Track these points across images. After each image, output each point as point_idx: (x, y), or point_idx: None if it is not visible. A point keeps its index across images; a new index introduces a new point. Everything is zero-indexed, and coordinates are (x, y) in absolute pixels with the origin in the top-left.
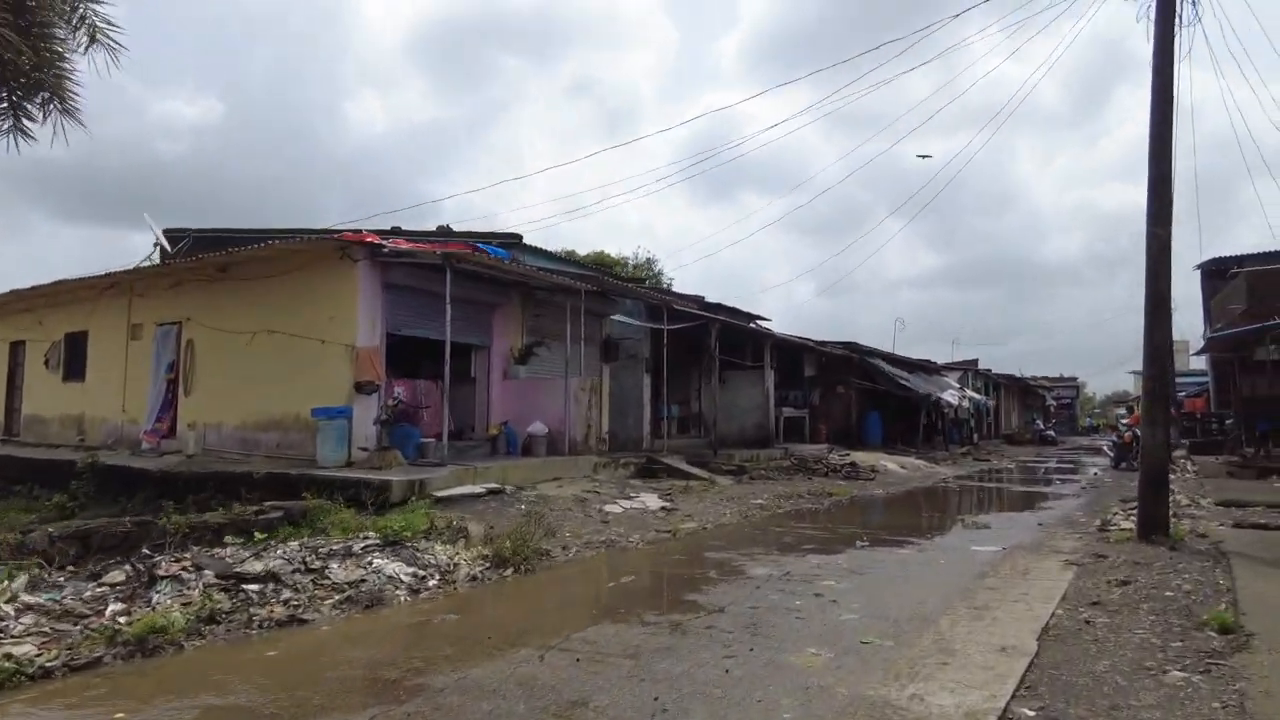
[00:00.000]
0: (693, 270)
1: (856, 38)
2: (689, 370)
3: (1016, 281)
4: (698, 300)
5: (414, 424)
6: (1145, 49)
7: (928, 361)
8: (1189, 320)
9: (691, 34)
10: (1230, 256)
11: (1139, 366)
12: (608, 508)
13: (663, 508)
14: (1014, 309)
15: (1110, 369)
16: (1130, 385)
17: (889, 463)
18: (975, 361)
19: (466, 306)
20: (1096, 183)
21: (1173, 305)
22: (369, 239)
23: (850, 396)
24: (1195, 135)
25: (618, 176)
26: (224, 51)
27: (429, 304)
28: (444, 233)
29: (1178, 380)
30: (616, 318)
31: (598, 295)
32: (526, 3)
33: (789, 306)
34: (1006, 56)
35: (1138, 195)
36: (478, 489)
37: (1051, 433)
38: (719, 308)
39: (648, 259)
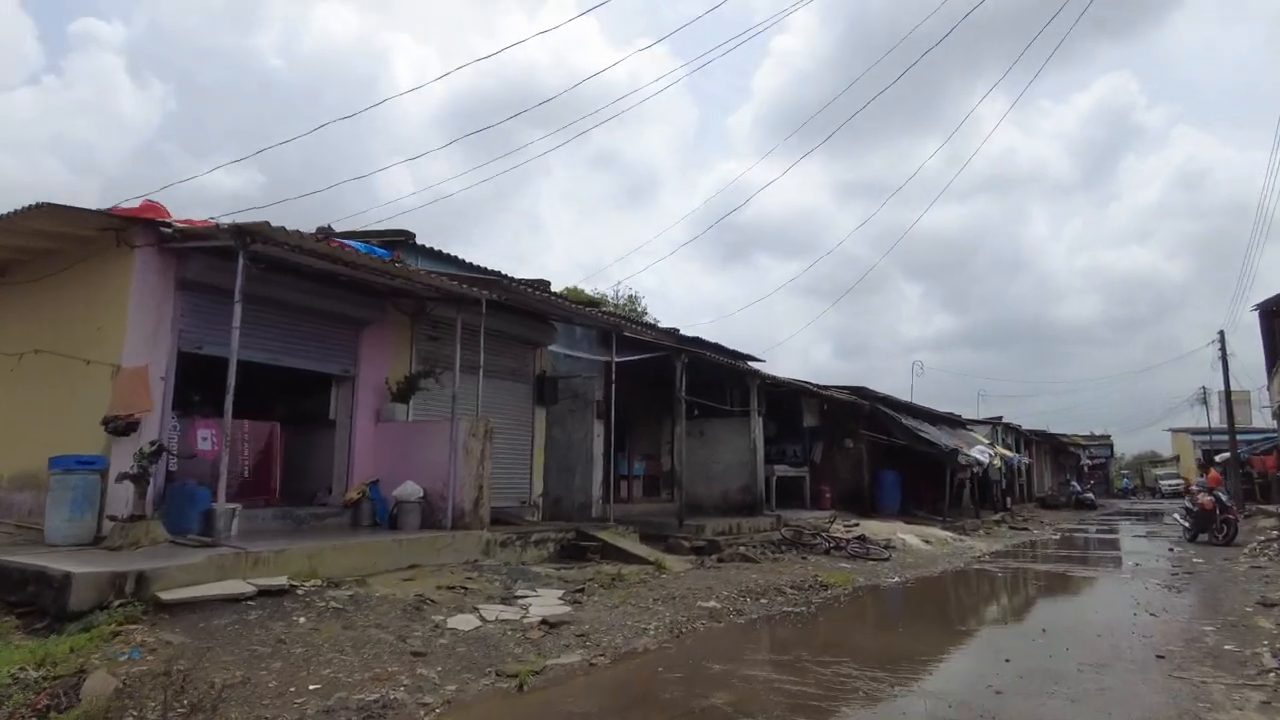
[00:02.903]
0: (706, 331)
1: (866, 112)
2: (660, 419)
3: (1035, 342)
4: (671, 333)
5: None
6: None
7: (952, 414)
8: (1243, 367)
9: (709, 109)
10: None
11: (1177, 424)
12: (454, 621)
13: (544, 621)
14: (1033, 369)
15: (1140, 428)
16: (1166, 444)
17: (908, 535)
18: (1000, 418)
19: (319, 321)
20: (1111, 246)
21: (1228, 353)
22: (149, 212)
23: (860, 452)
24: (1207, 200)
25: (636, 241)
26: (265, 124)
27: (253, 313)
28: (324, 233)
29: (1239, 437)
30: (554, 348)
31: (521, 316)
32: (554, 82)
33: (805, 367)
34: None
35: (1150, 258)
36: (245, 588)
37: (1090, 495)
38: (697, 341)
39: (630, 296)
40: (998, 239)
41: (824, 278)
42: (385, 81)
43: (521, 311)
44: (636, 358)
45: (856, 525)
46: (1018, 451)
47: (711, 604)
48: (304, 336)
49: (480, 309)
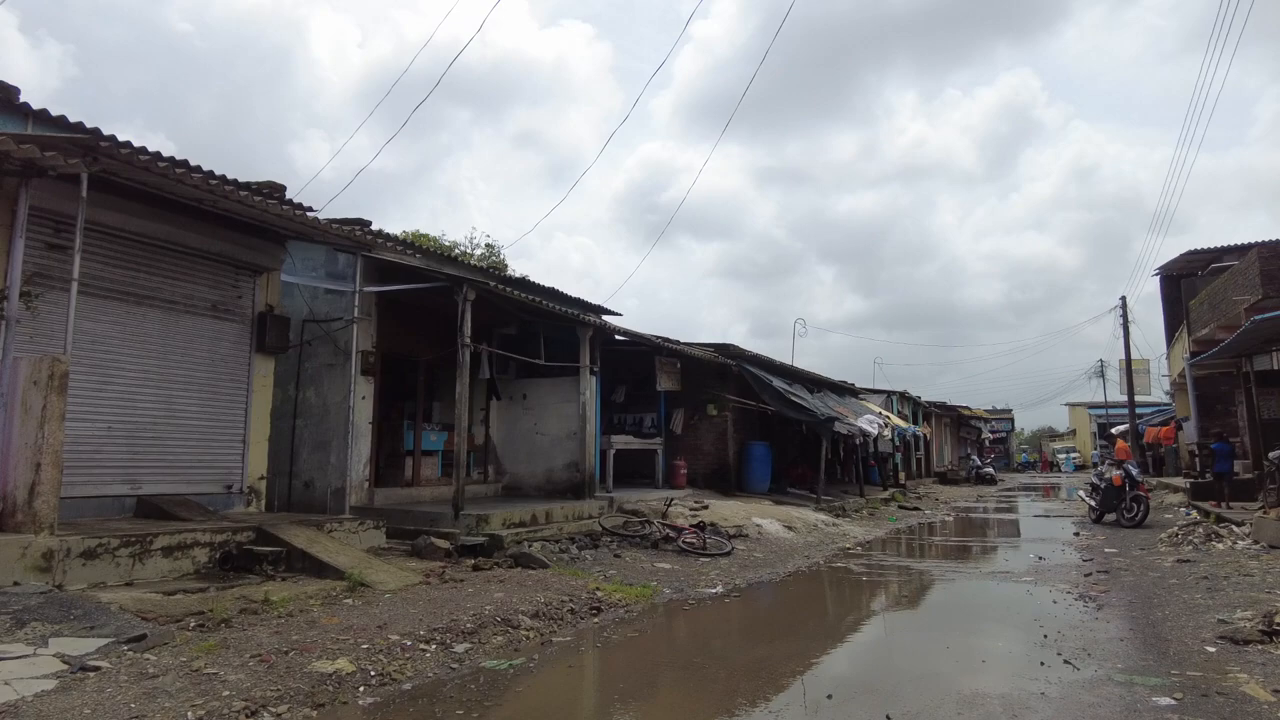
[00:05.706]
0: (631, 310)
1: (781, 100)
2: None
3: (943, 325)
4: (496, 272)
5: None
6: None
7: (844, 382)
8: (1144, 338)
9: (632, 92)
10: (1206, 249)
11: (1075, 398)
12: None
13: None
14: (941, 349)
15: (1040, 403)
16: (1064, 419)
17: (768, 520)
18: (903, 392)
19: None
20: (1011, 233)
21: (1130, 319)
22: None
23: (725, 422)
24: (1094, 193)
25: (559, 218)
26: (174, 91)
27: None
28: None
29: (1136, 409)
30: (291, 278)
31: (226, 228)
32: (479, 60)
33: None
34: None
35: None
36: None
37: (990, 470)
38: (526, 284)
39: (488, 245)
40: (908, 225)
41: (743, 259)
42: (301, 53)
43: (231, 222)
44: (401, 288)
45: (705, 508)
46: (916, 424)
47: (339, 665)
48: None
49: (79, 185)
